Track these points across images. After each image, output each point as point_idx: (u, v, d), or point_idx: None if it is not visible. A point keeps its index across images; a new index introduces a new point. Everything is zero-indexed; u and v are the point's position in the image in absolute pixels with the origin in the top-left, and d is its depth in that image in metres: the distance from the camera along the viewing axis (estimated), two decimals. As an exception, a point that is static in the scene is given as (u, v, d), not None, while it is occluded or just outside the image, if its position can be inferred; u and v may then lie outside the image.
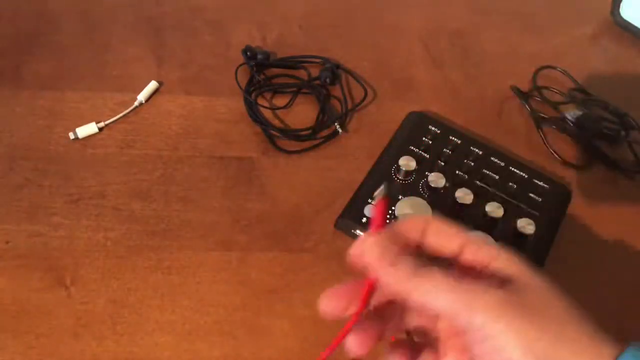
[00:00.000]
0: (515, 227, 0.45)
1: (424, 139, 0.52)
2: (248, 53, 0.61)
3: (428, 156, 0.50)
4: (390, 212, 0.46)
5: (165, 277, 0.45)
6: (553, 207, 0.48)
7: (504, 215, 0.46)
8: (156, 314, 0.43)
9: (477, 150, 0.51)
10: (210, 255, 0.46)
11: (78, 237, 0.46)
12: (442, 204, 0.47)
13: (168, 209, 0.49)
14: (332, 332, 0.41)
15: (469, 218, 0.47)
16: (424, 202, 0.45)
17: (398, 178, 0.49)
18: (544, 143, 0.59)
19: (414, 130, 0.53)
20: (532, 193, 0.49)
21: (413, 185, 0.48)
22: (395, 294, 0.27)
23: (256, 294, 0.45)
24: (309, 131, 0.56)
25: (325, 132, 0.57)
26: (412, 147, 0.51)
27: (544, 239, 0.48)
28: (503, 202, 0.47)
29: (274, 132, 0.55)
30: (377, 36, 0.68)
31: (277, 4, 0.70)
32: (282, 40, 0.65)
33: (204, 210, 0.49)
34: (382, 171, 0.50)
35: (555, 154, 0.58)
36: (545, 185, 0.49)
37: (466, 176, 0.49)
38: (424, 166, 0.49)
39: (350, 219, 0.48)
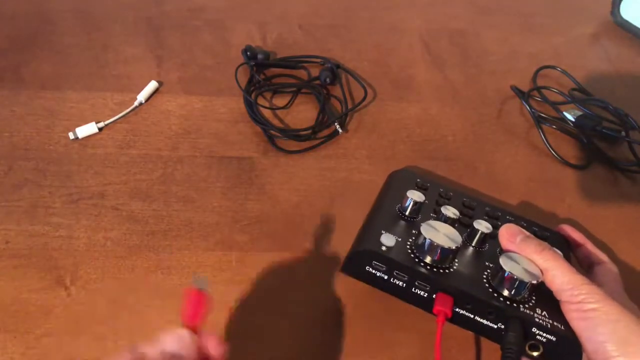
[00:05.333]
0: None
1: (416, 187, 0.47)
2: (248, 53, 0.61)
3: (427, 201, 0.45)
4: (414, 234, 0.41)
5: (165, 277, 0.45)
6: (560, 249, 0.45)
7: None
8: (156, 314, 0.43)
9: (470, 200, 0.48)
10: (210, 255, 0.46)
11: (78, 237, 0.46)
12: (460, 233, 0.42)
13: (168, 209, 0.49)
14: (332, 333, 0.41)
15: (492, 245, 0.43)
16: (449, 227, 0.40)
17: (404, 215, 0.44)
18: (544, 143, 0.59)
19: (404, 183, 0.48)
20: (536, 236, 0.45)
21: (421, 223, 0.41)
22: None
23: (256, 294, 0.44)
24: (309, 131, 0.56)
25: (325, 132, 0.56)
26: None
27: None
28: None
29: (274, 132, 0.55)
30: (377, 36, 0.68)
31: (277, 4, 0.70)
32: (282, 40, 0.65)
33: (204, 210, 0.49)
34: (385, 213, 0.44)
35: (555, 154, 0.58)
36: (545, 232, 0.47)
37: (470, 219, 0.45)
38: (427, 207, 0.45)
39: (369, 246, 0.40)
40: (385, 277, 0.40)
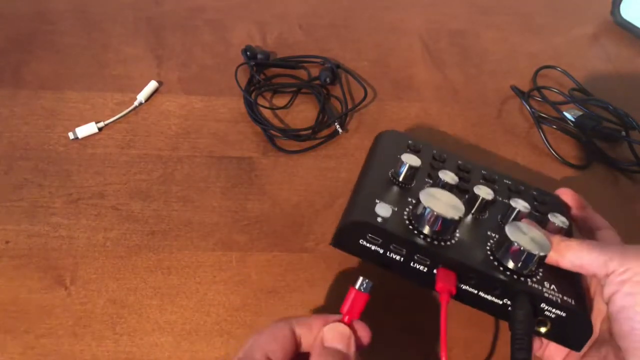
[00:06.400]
0: (548, 222, 0.40)
1: (408, 150, 0.44)
2: (248, 53, 0.61)
3: (422, 165, 0.41)
4: (411, 203, 0.38)
5: (165, 277, 0.45)
6: (561, 212, 0.42)
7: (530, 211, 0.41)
8: (156, 314, 0.43)
9: (465, 164, 0.45)
10: (210, 255, 0.46)
11: (78, 237, 0.46)
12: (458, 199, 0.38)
13: (168, 209, 0.49)
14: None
15: (492, 211, 0.41)
16: (450, 194, 0.37)
17: (398, 181, 0.40)
18: (544, 143, 0.59)
19: (394, 145, 0.45)
20: (537, 202, 0.44)
21: (417, 190, 0.38)
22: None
23: (256, 294, 0.44)
24: (309, 131, 0.56)
25: (325, 132, 0.56)
26: (399, 156, 0.42)
27: (571, 231, 0.42)
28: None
29: (274, 132, 0.55)
30: (377, 36, 0.68)
31: (277, 4, 0.70)
32: (282, 40, 0.65)
33: (203, 210, 0.49)
34: (377, 178, 0.41)
35: (555, 154, 0.58)
36: (545, 196, 0.44)
37: (468, 184, 0.43)
38: (421, 172, 0.42)
39: (363, 217, 0.37)
40: (381, 251, 0.37)
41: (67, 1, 0.66)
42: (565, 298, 0.35)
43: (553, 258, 0.36)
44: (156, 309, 0.43)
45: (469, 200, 0.41)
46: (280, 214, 0.50)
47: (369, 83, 0.62)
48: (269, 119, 0.57)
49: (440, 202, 0.36)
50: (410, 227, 0.37)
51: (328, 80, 0.60)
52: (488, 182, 0.44)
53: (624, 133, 0.60)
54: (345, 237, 0.37)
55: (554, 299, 0.35)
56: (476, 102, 0.62)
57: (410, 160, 0.40)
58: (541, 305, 0.35)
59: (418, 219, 0.36)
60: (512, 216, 0.40)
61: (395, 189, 0.40)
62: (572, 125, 0.60)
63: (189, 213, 0.49)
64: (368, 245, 0.37)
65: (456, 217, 0.35)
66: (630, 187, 0.57)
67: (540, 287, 0.35)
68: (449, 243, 0.36)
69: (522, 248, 0.35)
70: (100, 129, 0.53)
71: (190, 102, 0.57)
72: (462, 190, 0.42)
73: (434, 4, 0.74)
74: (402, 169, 0.40)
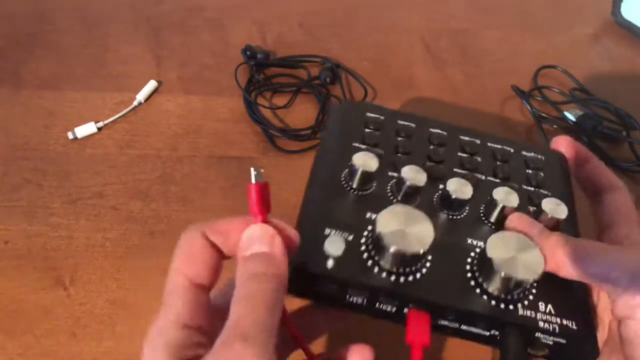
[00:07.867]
0: (542, 212, 0.32)
1: (366, 130, 0.36)
2: (248, 52, 0.61)
3: (383, 152, 0.35)
4: (370, 222, 0.31)
5: (165, 278, 0.44)
6: (560, 178, 0.36)
7: (520, 202, 0.32)
8: (155, 315, 0.43)
9: (439, 131, 0.37)
10: (209, 255, 0.46)
11: (77, 237, 0.46)
12: (430, 206, 0.32)
13: (167, 209, 0.49)
14: (331, 334, 0.41)
15: (472, 207, 0.33)
16: (414, 209, 0.29)
17: (353, 188, 0.33)
18: (545, 143, 0.58)
19: (349, 123, 0.36)
20: (529, 169, 0.36)
21: (378, 194, 0.32)
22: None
23: (256, 294, 0.44)
24: (309, 131, 0.55)
25: (325, 132, 0.56)
26: (355, 144, 0.35)
27: (573, 220, 0.35)
28: (507, 186, 0.33)
29: (274, 132, 0.55)
30: (377, 35, 0.68)
31: (277, 3, 0.70)
32: (282, 39, 0.65)
33: (203, 210, 0.49)
34: (327, 187, 0.33)
35: (556, 154, 0.58)
36: (539, 156, 0.37)
37: (441, 166, 0.35)
38: (382, 165, 0.33)
39: (309, 264, 0.29)
40: (340, 296, 0.30)
41: (67, 1, 0.66)
42: (564, 322, 0.29)
43: (549, 267, 0.29)
44: (155, 309, 0.43)
45: (443, 196, 0.33)
46: (280, 214, 0.49)
47: (369, 83, 0.62)
48: (268, 119, 0.57)
49: (401, 226, 0.28)
50: (370, 261, 0.29)
51: (328, 79, 0.60)
52: (468, 154, 0.36)
53: (624, 133, 0.59)
54: (296, 284, 0.28)
55: (551, 327, 0.29)
56: (477, 101, 0.62)
57: (364, 164, 0.32)
58: (536, 335, 0.29)
59: (377, 248, 0.29)
60: (496, 213, 0.33)
61: (350, 198, 0.32)
62: (573, 125, 0.60)
63: (189, 213, 0.49)
64: (323, 290, 0.30)
65: (421, 251, 0.28)
66: (630, 187, 0.56)
67: (533, 315, 0.29)
68: (418, 275, 0.29)
69: (507, 275, 0.28)
70: (99, 129, 0.53)
71: (189, 102, 0.57)
72: (435, 179, 0.34)
73: (435, 3, 0.74)
74: (356, 174, 0.32)
